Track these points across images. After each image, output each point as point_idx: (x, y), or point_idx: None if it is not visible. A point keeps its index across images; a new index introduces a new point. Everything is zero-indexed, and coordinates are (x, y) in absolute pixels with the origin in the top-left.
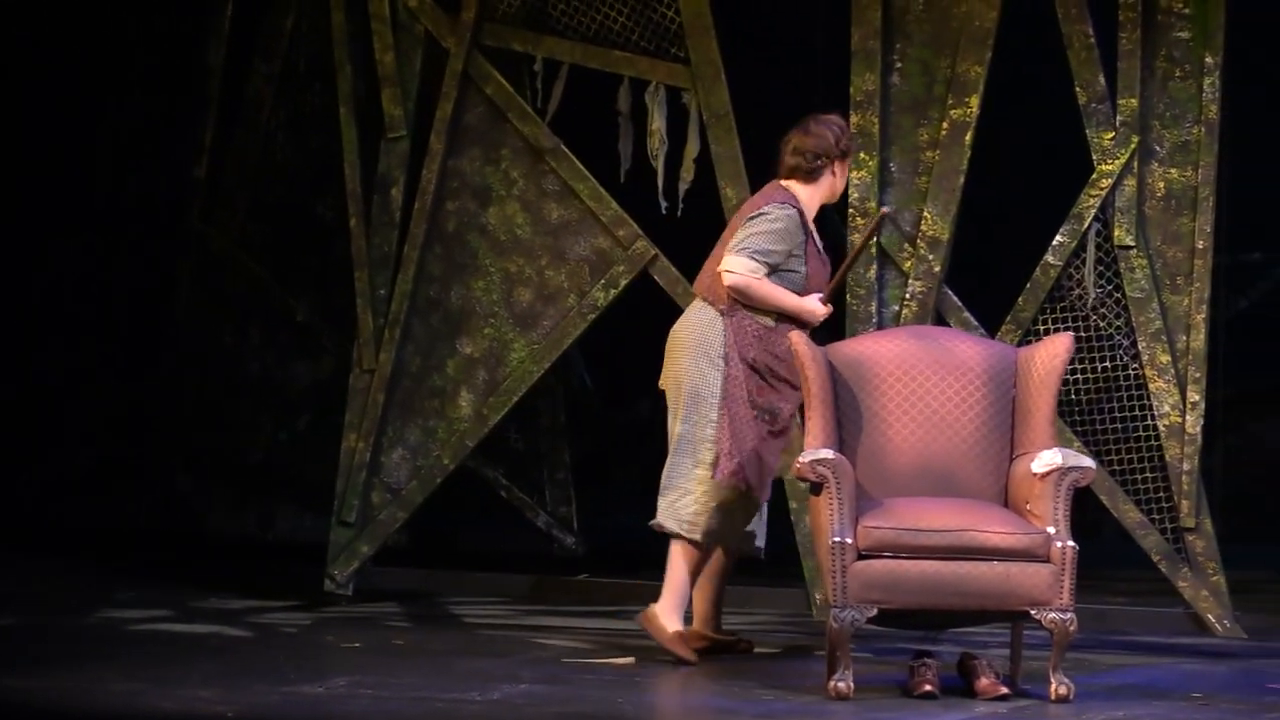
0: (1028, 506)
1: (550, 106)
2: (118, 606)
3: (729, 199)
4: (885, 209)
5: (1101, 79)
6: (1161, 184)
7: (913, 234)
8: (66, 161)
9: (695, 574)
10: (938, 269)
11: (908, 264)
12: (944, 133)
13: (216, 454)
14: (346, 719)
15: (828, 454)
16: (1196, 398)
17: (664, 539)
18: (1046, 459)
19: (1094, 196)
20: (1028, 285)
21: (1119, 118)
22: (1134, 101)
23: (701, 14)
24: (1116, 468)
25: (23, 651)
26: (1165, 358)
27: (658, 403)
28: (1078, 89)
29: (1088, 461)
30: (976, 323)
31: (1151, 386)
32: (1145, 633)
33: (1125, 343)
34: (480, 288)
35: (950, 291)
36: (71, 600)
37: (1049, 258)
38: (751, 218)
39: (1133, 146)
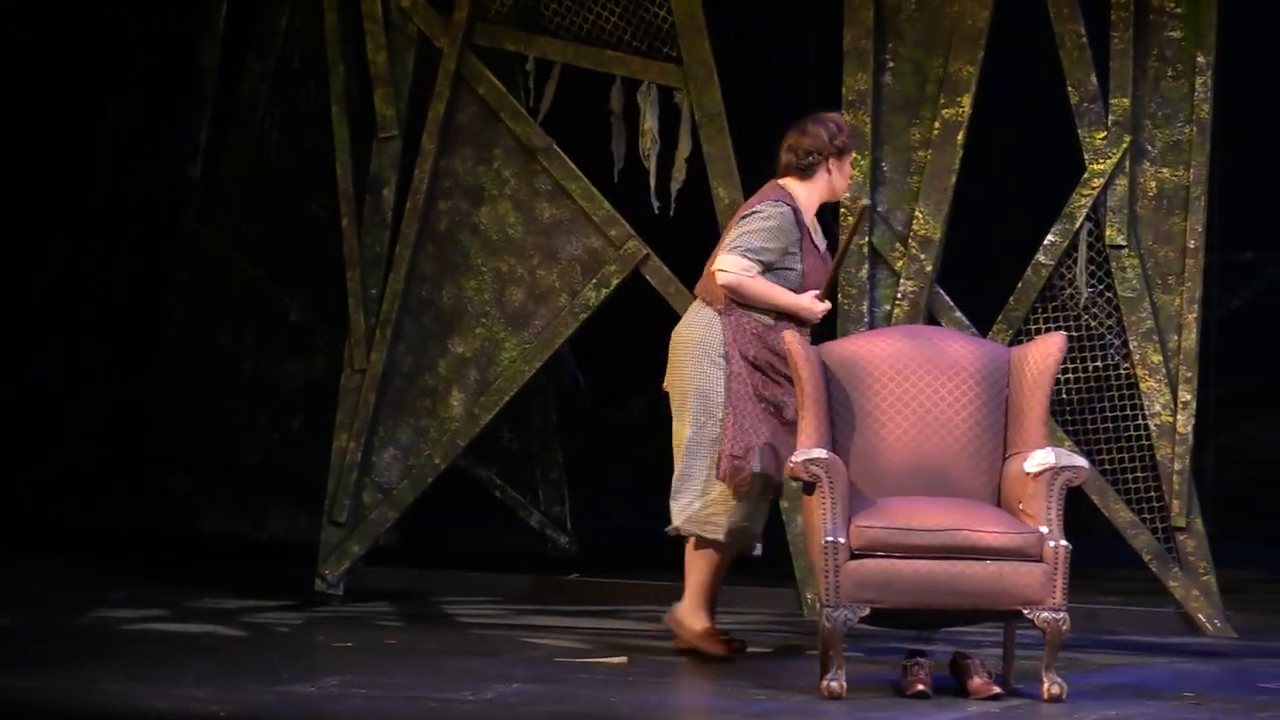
0: (1020, 506)
1: (542, 106)
2: (112, 606)
3: (721, 199)
4: (865, 201)
5: (1093, 78)
6: (1153, 183)
7: (905, 233)
8: (61, 161)
9: (719, 573)
10: (929, 268)
11: (900, 263)
12: (936, 132)
13: (211, 454)
14: (339, 718)
15: (821, 453)
16: (1188, 397)
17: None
18: (1039, 458)
19: (1086, 196)
20: (1019, 285)
21: (1111, 117)
22: (1126, 101)
23: (694, 14)
24: (1107, 467)
25: (18, 651)
26: (1156, 357)
27: (650, 402)
28: (1070, 88)
29: (1080, 461)
30: (968, 322)
31: (1143, 386)
32: (1137, 632)
33: (1116, 342)
34: (472, 287)
35: (942, 291)
36: (66, 600)
37: (1041, 257)
38: (744, 216)
39: (1124, 146)
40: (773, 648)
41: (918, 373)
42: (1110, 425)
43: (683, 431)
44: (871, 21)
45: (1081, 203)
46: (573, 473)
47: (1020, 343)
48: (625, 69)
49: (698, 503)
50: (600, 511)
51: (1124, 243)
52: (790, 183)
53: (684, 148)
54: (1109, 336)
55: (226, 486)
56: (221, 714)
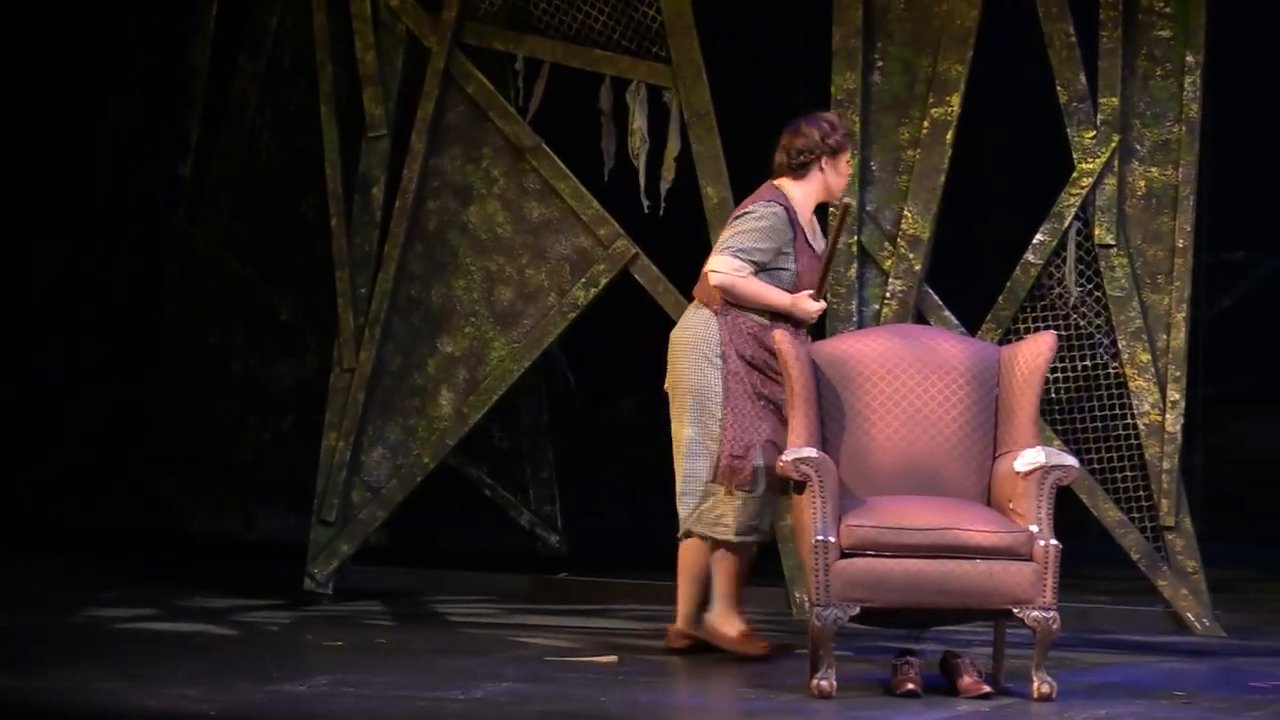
0: (1010, 505)
1: (531, 105)
2: (104, 605)
3: (710, 198)
4: (848, 200)
5: (1082, 78)
6: (1142, 182)
7: (893, 232)
8: (52, 161)
9: (742, 574)
10: (918, 268)
11: (888, 263)
12: (925, 131)
13: (201, 453)
14: (329, 717)
15: (811, 453)
16: (1176, 396)
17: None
18: (1029, 457)
19: (1074, 195)
20: (1008, 284)
21: (1100, 116)
22: (1115, 100)
23: (683, 13)
24: (1096, 466)
25: (12, 650)
26: (1145, 356)
27: (641, 402)
28: (1058, 87)
29: (1070, 460)
30: (957, 321)
31: (1131, 385)
32: (1127, 631)
33: (1105, 341)
34: (461, 286)
35: (931, 290)
36: (58, 599)
37: (1029, 256)
38: (737, 217)
39: (1113, 145)
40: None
41: (908, 372)
42: (1099, 424)
43: (682, 432)
44: (860, 20)
45: (1070, 202)
46: (563, 472)
47: (1009, 342)
48: (614, 68)
49: (704, 505)
50: (590, 511)
51: (1113, 242)
52: (785, 183)
53: (673, 147)
54: (1098, 336)
55: (217, 486)
56: (212, 713)
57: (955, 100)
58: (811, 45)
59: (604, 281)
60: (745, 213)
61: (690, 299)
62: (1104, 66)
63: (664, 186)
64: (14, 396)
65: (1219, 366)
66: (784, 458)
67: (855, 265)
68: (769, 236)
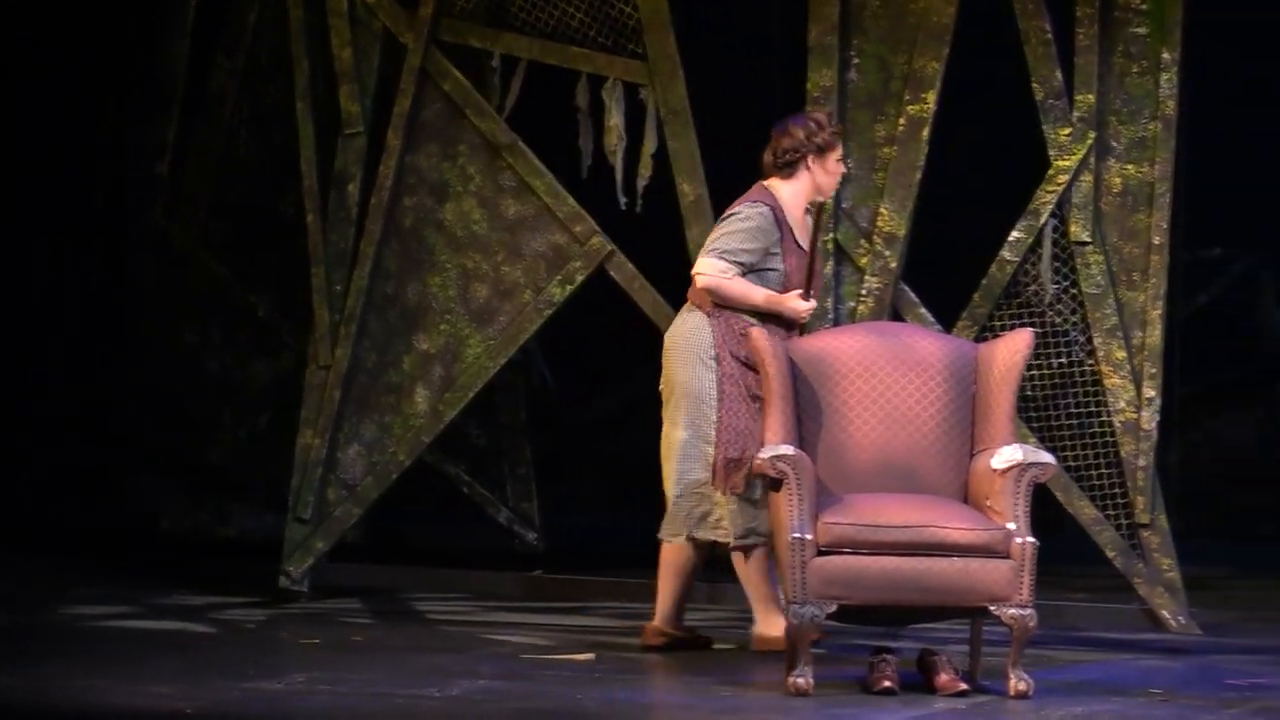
0: (988, 502)
1: (508, 102)
2: (80, 603)
3: (686, 195)
4: (819, 197)
5: (1058, 74)
6: (1118, 179)
7: (869, 230)
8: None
9: (765, 570)
10: (894, 265)
11: (864, 260)
12: (901, 128)
13: (178, 452)
14: (306, 715)
15: (788, 450)
16: (1152, 393)
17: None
18: (1007, 455)
19: (1050, 192)
20: (984, 281)
21: (1076, 113)
22: (1091, 97)
23: (659, 10)
24: (1072, 464)
25: None
26: (1121, 354)
27: (618, 399)
28: (1034, 84)
29: (1047, 457)
30: (933, 319)
31: (1107, 382)
32: (1104, 629)
33: (1081, 339)
34: (437, 283)
35: (906, 287)
36: (33, 598)
37: (1005, 254)
38: (723, 219)
39: (1089, 142)
40: (738, 644)
41: (885, 369)
42: (1074, 422)
43: (675, 434)
44: (836, 17)
45: (1046, 199)
46: (540, 469)
47: (985, 339)
48: (591, 65)
49: (701, 508)
50: (568, 509)
51: (1088, 239)
52: (774, 183)
53: (649, 144)
54: (1073, 333)
55: (193, 484)
56: (188, 710)
57: (931, 97)
58: (787, 42)
59: (580, 279)
60: (732, 214)
61: (681, 300)
62: (1080, 63)
63: (640, 183)
64: (12, 397)
65: (1195, 364)
66: (760, 455)
67: (831, 262)
68: (755, 237)
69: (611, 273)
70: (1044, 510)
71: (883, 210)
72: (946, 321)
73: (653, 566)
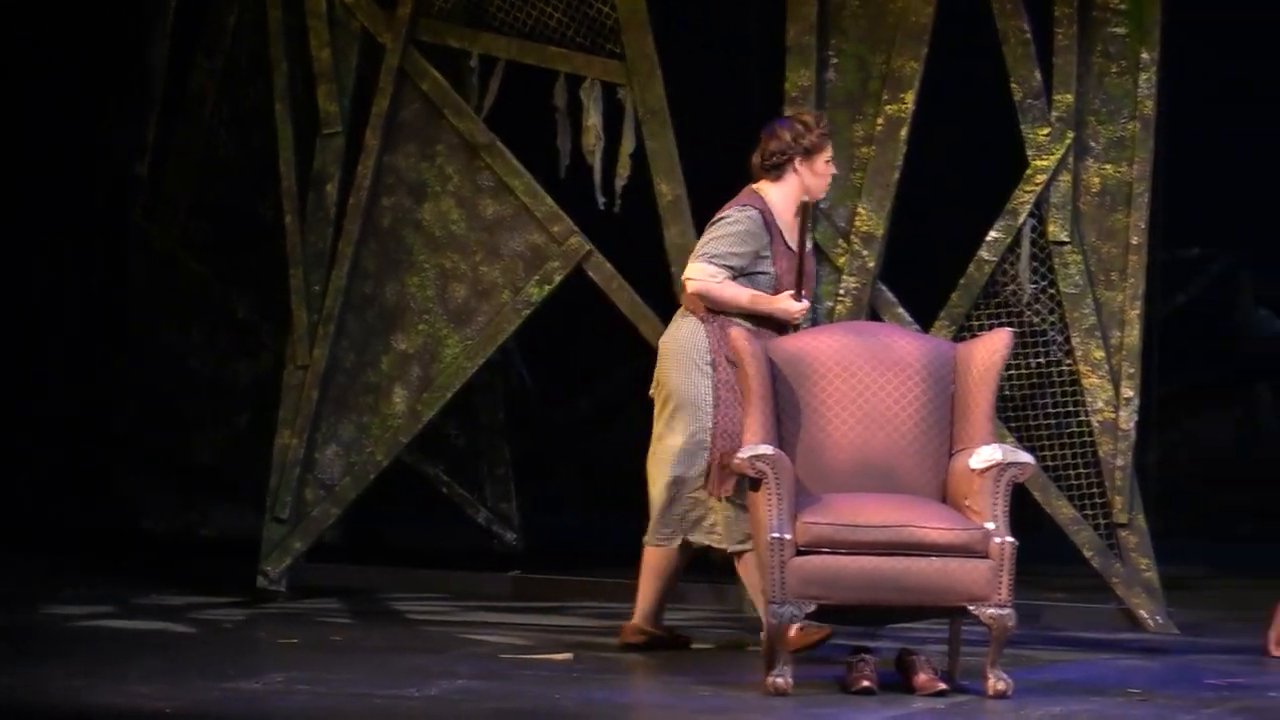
0: (966, 502)
1: (486, 102)
2: (60, 603)
3: (664, 195)
4: (805, 197)
5: (1037, 74)
6: (1096, 179)
7: (847, 230)
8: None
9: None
10: (872, 265)
11: (842, 260)
12: (879, 128)
13: (159, 452)
14: (284, 715)
15: (767, 449)
16: (1130, 393)
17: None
18: (985, 454)
19: (1029, 192)
20: (962, 281)
21: (1054, 113)
22: (1069, 97)
23: (637, 10)
24: (1050, 464)
25: None
26: (1099, 353)
27: (596, 400)
28: (1013, 84)
29: (1026, 457)
30: (911, 319)
31: (1085, 382)
32: (1082, 628)
33: (1059, 338)
34: (415, 284)
35: (884, 287)
36: (14, 598)
37: (983, 253)
38: (712, 223)
39: (1068, 142)
40: (716, 644)
41: (864, 369)
42: (1052, 422)
43: (672, 440)
44: (815, 17)
45: (1024, 199)
46: (519, 470)
47: (963, 339)
48: (569, 65)
49: (695, 512)
50: (547, 509)
51: (1067, 239)
52: (763, 186)
53: (628, 144)
54: (1051, 333)
55: (173, 484)
56: (168, 710)
57: (909, 97)
58: (765, 42)
59: (558, 279)
60: (721, 218)
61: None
62: (1059, 63)
63: (619, 183)
64: (10, 398)
65: (1173, 363)
66: (739, 455)
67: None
68: (744, 241)
69: (589, 273)
70: (1022, 510)
71: (860, 210)
72: (924, 321)
73: (631, 566)
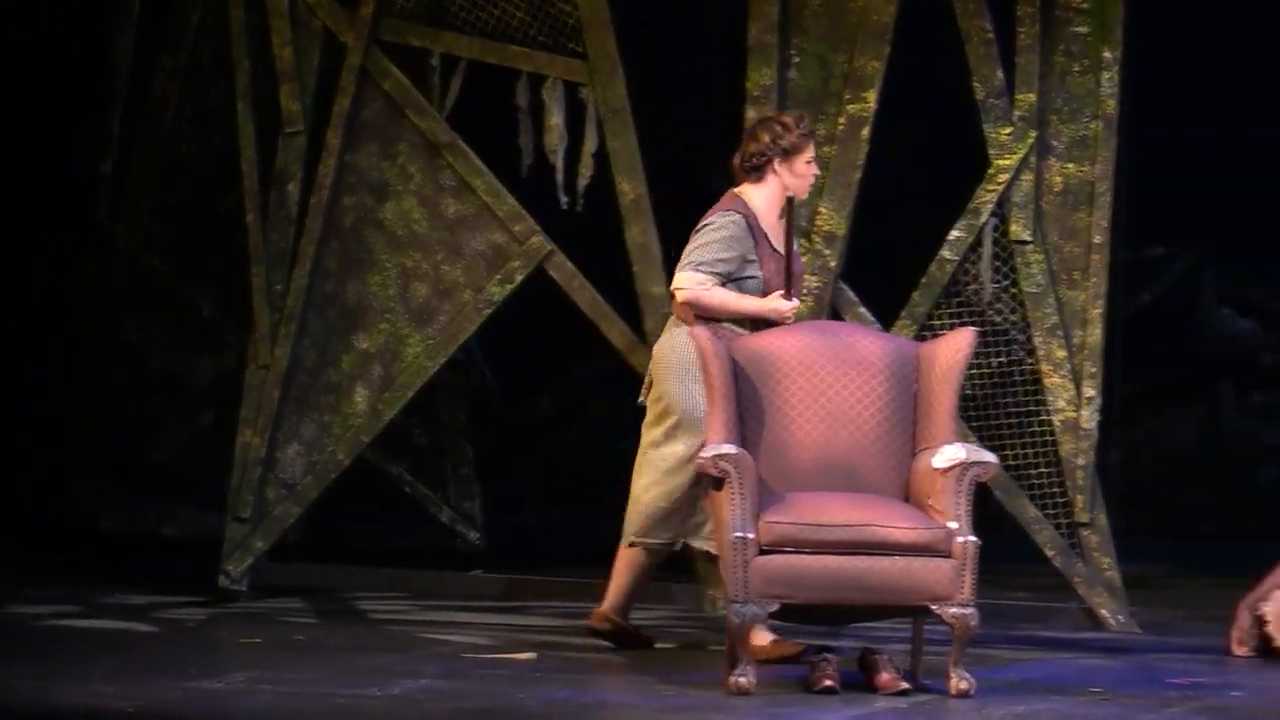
0: (929, 501)
1: (448, 101)
2: (22, 602)
3: (625, 194)
4: (789, 193)
5: (999, 74)
6: (1059, 179)
7: (808, 229)
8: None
9: None
10: (833, 264)
11: (804, 259)
12: (841, 127)
13: (120, 450)
14: (247, 714)
15: (730, 449)
16: (1092, 393)
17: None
18: (948, 454)
19: (991, 191)
20: (924, 280)
21: (1016, 113)
22: (1032, 96)
23: (599, 9)
24: (1012, 463)
25: None
26: (1061, 353)
27: (558, 399)
28: (975, 84)
29: (989, 456)
30: (873, 317)
31: (1047, 381)
32: (1045, 628)
33: (1021, 338)
34: (376, 283)
35: (846, 286)
36: None
37: (945, 253)
38: (697, 230)
39: (1030, 141)
40: (678, 643)
41: (826, 368)
42: (1014, 421)
43: (672, 449)
44: (776, 16)
45: (986, 198)
46: (482, 469)
47: (924, 338)
48: (531, 64)
49: (696, 518)
50: (510, 508)
51: (1029, 238)
52: (745, 189)
53: (590, 143)
54: (1013, 332)
55: (135, 482)
56: (130, 710)
57: (871, 96)
58: (727, 41)
59: (519, 278)
60: (705, 225)
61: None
62: (1021, 63)
63: (581, 183)
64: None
65: (1136, 363)
66: (702, 454)
67: None
68: (730, 245)
69: (551, 272)
70: (984, 509)
71: (822, 209)
72: (886, 320)
73: (594, 565)
